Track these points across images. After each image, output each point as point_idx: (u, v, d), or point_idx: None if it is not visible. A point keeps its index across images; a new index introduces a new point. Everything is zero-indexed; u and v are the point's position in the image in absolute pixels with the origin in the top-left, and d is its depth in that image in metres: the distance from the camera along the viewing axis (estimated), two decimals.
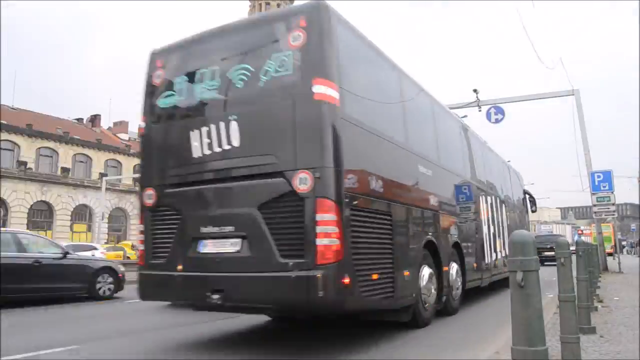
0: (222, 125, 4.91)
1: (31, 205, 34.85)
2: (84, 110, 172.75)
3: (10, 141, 37.35)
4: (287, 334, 6.54)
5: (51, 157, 40.00)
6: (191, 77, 5.33)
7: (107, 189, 36.19)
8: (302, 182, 4.44)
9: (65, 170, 38.22)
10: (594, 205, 16.97)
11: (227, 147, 4.88)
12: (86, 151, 42.25)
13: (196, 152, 5.07)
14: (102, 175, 39.67)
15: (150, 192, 5.38)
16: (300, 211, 4.42)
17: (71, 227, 36.99)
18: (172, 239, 5.10)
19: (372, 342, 5.48)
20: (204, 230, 4.88)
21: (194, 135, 5.07)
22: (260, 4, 51.32)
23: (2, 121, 36.55)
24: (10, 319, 7.66)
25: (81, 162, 42.05)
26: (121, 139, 48.46)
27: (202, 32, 5.54)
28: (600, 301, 7.99)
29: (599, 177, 16.84)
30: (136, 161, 46.03)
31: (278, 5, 49.24)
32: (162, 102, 5.51)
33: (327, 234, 4.31)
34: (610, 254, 23.71)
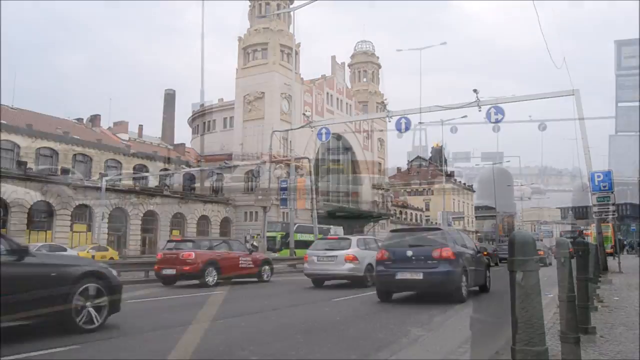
0: None
1: (31, 205, 34.81)
2: (84, 110, 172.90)
3: (10, 141, 37.28)
4: None
5: (51, 157, 39.94)
6: None
7: (107, 189, 36.13)
8: None
9: (65, 170, 38.19)
10: (594, 205, 16.99)
11: None
12: (86, 151, 42.17)
13: None
14: (102, 175, 39.62)
15: None
16: None
17: (71, 227, 36.92)
18: None
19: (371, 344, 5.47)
20: None
21: None
22: (260, 4, 51.24)
23: (2, 121, 36.52)
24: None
25: (81, 162, 41.98)
26: (121, 139, 48.38)
27: None
28: (600, 301, 7.99)
29: (599, 177, 16.85)
30: (136, 161, 46.03)
31: (278, 6, 49.23)
32: None
33: None
34: (610, 254, 23.76)
